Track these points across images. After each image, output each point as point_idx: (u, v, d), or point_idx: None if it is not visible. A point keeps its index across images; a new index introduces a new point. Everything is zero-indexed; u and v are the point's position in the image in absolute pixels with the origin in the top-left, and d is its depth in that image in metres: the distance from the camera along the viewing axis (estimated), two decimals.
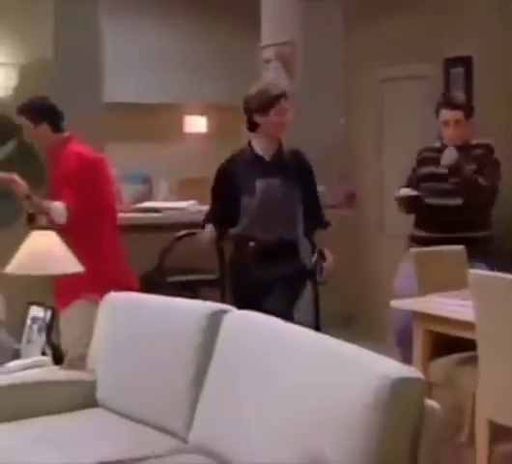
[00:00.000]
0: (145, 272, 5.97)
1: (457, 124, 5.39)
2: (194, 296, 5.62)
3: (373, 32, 7.93)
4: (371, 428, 2.69)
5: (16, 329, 4.73)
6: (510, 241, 5.84)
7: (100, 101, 6.48)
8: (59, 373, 4.12)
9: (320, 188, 5.62)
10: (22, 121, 5.09)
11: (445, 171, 5.37)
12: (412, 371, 2.82)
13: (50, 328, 4.54)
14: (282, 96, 5.09)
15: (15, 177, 4.92)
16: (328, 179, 6.59)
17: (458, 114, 5.40)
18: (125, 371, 3.83)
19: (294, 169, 5.13)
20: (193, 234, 5.50)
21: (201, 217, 5.35)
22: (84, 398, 3.90)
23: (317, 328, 4.95)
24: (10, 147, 5.63)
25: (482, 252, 5.33)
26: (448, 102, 5.49)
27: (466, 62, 7.72)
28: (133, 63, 8.75)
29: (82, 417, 3.78)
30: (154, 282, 5.86)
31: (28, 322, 4.66)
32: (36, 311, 4.61)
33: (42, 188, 5.67)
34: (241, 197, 5.09)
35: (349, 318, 7.13)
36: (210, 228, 5.23)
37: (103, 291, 4.69)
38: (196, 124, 9.61)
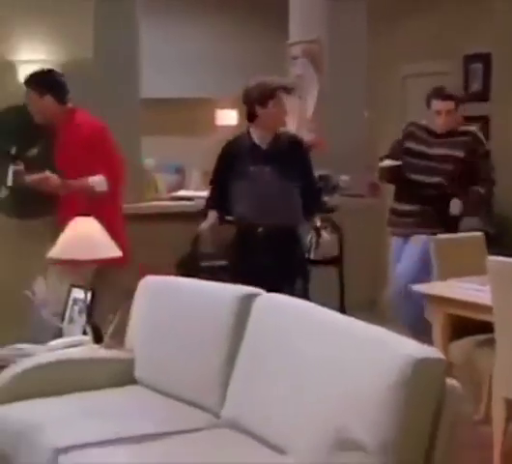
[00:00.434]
0: (180, 257, 5.98)
1: (448, 113, 5.49)
2: (225, 280, 5.62)
3: (396, 30, 7.91)
4: (395, 406, 2.69)
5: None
6: None
7: (137, 96, 6.49)
8: (99, 352, 4.14)
9: (344, 178, 5.63)
10: (28, 92, 5.00)
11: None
12: (433, 352, 2.81)
13: (90, 309, 4.56)
14: (281, 88, 5.10)
15: (47, 174, 4.87)
16: (353, 170, 6.58)
17: (449, 104, 5.49)
18: (161, 351, 3.84)
19: (289, 157, 5.10)
20: (227, 222, 5.51)
21: None
22: (123, 376, 3.92)
23: (342, 311, 4.94)
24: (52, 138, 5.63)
25: (452, 226, 5.46)
26: (440, 94, 5.55)
27: (484, 58, 7.70)
28: (168, 61, 8.76)
29: (122, 393, 3.80)
30: (188, 267, 5.88)
31: (70, 303, 4.69)
32: (77, 293, 4.64)
33: None
34: (236, 184, 5.11)
35: (372, 302, 7.11)
36: (213, 214, 5.22)
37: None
38: (227, 117, 9.60)
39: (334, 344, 3.00)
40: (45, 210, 5.40)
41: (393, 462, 2.66)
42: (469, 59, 8.01)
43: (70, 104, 5.00)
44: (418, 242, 5.49)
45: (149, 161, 6.95)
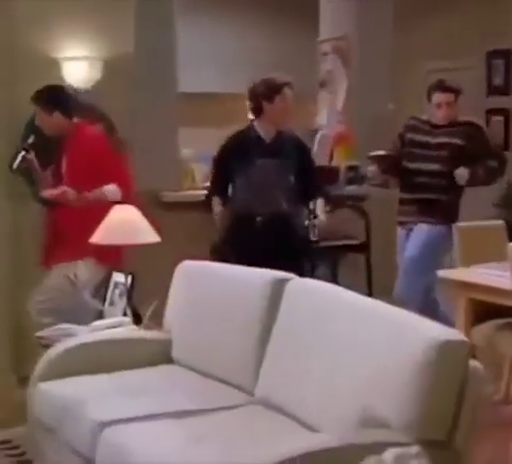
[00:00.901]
0: (212, 243, 5.97)
1: (448, 105, 5.40)
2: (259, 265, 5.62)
3: (421, 28, 7.87)
4: (420, 386, 2.69)
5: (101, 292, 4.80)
6: None
7: (175, 91, 6.49)
8: (138, 332, 4.15)
9: (371, 168, 5.59)
10: (36, 110, 4.92)
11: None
12: (457, 334, 2.81)
13: (130, 292, 4.57)
14: (287, 84, 5.08)
15: (64, 188, 4.79)
16: None
17: (449, 96, 5.40)
18: (197, 332, 3.84)
19: (291, 151, 5.11)
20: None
21: None
22: (161, 355, 3.93)
23: (370, 296, 4.92)
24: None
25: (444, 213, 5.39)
26: (440, 86, 5.46)
27: (505, 54, 7.67)
28: (204, 58, 8.74)
29: (160, 371, 3.81)
30: (221, 252, 5.86)
31: (111, 286, 4.70)
32: (118, 277, 4.65)
33: None
34: (240, 174, 5.10)
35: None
36: (217, 201, 5.23)
37: (108, 255, 4.77)
38: None
39: (363, 326, 2.99)
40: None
41: (418, 440, 2.65)
42: (491, 55, 7.99)
43: (75, 119, 4.94)
44: (421, 232, 5.43)
45: (186, 152, 6.95)
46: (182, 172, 6.72)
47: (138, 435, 3.06)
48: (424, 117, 5.58)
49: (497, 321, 4.58)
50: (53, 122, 4.88)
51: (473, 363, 2.77)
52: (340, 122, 6.90)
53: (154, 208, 5.61)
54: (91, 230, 4.44)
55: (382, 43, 7.04)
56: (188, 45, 7.77)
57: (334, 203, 6.10)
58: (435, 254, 5.36)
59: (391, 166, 5.50)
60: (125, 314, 4.42)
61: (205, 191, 5.66)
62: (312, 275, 5.21)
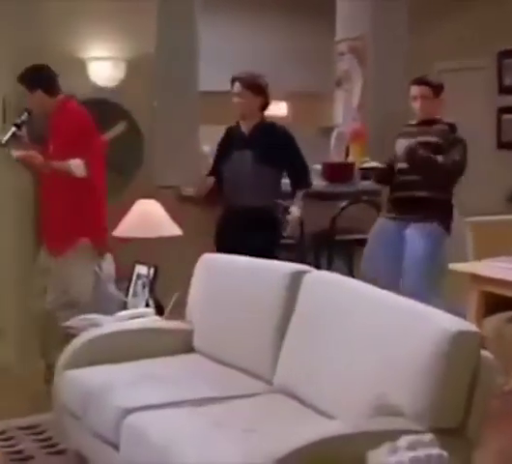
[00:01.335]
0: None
1: (423, 99, 5.16)
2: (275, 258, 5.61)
3: (434, 29, 7.85)
4: (433, 376, 2.68)
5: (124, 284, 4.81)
6: None
7: (196, 89, 6.48)
8: (161, 323, 4.16)
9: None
10: (23, 89, 4.89)
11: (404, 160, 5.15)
12: (469, 325, 2.80)
13: (153, 284, 4.58)
14: (236, 79, 5.16)
15: (32, 152, 4.73)
16: None
17: (424, 89, 5.16)
18: (218, 322, 3.85)
19: (268, 143, 5.02)
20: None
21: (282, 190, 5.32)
22: (182, 345, 3.94)
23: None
24: (119, 128, 5.66)
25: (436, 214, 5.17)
26: (416, 79, 5.26)
27: None
28: (224, 56, 8.73)
29: (181, 360, 3.81)
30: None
31: (134, 278, 4.71)
32: (141, 269, 4.66)
33: (139, 162, 5.71)
34: (222, 167, 5.12)
35: None
36: (210, 180, 5.19)
37: (98, 236, 4.81)
38: (278, 108, 9.55)
39: (377, 317, 2.98)
40: (110, 194, 5.43)
41: (430, 428, 2.64)
42: (502, 55, 7.99)
43: (61, 96, 4.90)
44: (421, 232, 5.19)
45: (207, 149, 6.94)
46: (203, 167, 6.72)
47: (160, 421, 3.07)
48: (413, 121, 5.42)
49: (508, 313, 4.57)
50: (36, 100, 4.86)
51: (485, 354, 2.76)
52: (356, 119, 6.88)
53: (176, 202, 5.63)
54: (80, 217, 4.61)
55: (396, 43, 7.02)
56: (209, 45, 7.76)
57: (350, 198, 6.10)
58: (433, 256, 5.14)
59: (384, 177, 5.37)
60: (147, 305, 4.43)
61: None
62: (329, 269, 5.19)
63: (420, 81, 5.20)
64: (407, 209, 5.18)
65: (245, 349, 3.61)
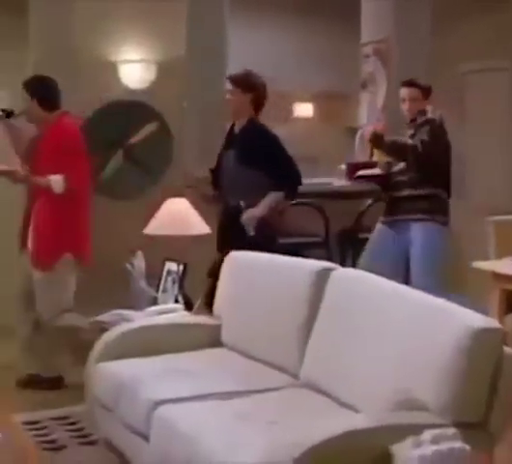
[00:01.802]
0: None
1: (412, 101, 5.12)
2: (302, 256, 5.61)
3: (457, 30, 7.78)
4: (456, 371, 2.67)
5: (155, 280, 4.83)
6: None
7: (223, 90, 6.48)
8: (190, 318, 4.18)
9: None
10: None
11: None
12: (493, 322, 2.79)
13: (182, 280, 4.60)
14: (228, 78, 5.05)
15: (14, 168, 4.63)
16: None
17: (413, 91, 5.11)
18: (245, 317, 3.85)
19: (251, 143, 4.87)
20: (303, 204, 5.48)
21: (308, 190, 5.31)
22: (210, 339, 3.94)
23: (406, 284, 4.89)
24: (149, 129, 5.67)
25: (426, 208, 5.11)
26: (405, 82, 5.23)
27: None
28: (251, 58, 8.71)
29: (210, 355, 3.82)
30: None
31: (164, 274, 4.73)
32: (171, 266, 4.68)
33: (170, 163, 5.71)
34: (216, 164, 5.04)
35: None
36: (208, 178, 5.10)
37: (81, 251, 4.74)
38: (304, 109, 9.56)
39: (402, 313, 2.98)
40: (141, 193, 5.46)
41: (453, 422, 2.64)
42: None
43: (59, 111, 4.79)
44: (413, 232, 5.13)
45: None
46: None
47: (189, 413, 3.07)
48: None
49: None
50: (29, 107, 4.77)
51: (508, 350, 2.74)
52: (379, 120, 6.86)
53: (202, 201, 5.63)
54: (65, 232, 4.57)
55: (419, 45, 6.99)
56: (237, 46, 7.77)
57: (374, 197, 6.07)
58: (433, 252, 5.05)
59: (382, 185, 5.34)
60: (177, 301, 4.45)
61: None
62: (354, 266, 5.17)
63: (409, 83, 5.19)
64: (397, 209, 5.16)
65: (272, 344, 3.61)
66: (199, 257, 4.69)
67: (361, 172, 5.41)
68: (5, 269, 5.36)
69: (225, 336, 3.94)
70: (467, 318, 2.75)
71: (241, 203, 4.74)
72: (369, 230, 5.74)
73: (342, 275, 3.47)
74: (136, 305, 4.56)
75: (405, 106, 5.18)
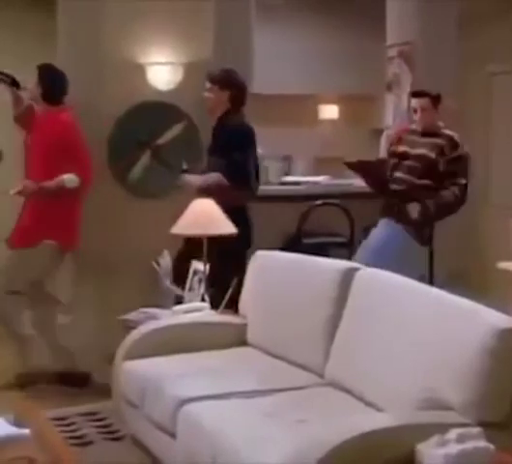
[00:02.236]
0: (286, 234, 5.98)
1: (423, 110, 5.10)
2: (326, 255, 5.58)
3: (483, 32, 7.72)
4: (480, 371, 2.67)
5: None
6: None
7: (250, 92, 6.48)
8: (216, 317, 4.18)
9: None
10: None
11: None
12: None
13: (208, 279, 4.58)
14: (206, 77, 5.06)
15: (24, 182, 4.66)
16: None
17: (423, 102, 5.09)
18: (271, 317, 3.85)
19: (218, 139, 4.96)
20: (329, 204, 5.44)
21: (333, 190, 5.30)
22: (236, 338, 3.95)
23: (431, 283, 4.85)
24: (177, 129, 5.68)
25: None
26: (416, 92, 5.24)
27: None
28: (277, 60, 8.71)
29: (235, 353, 3.83)
30: (293, 243, 5.85)
31: (190, 273, 4.73)
32: (197, 265, 4.67)
33: (198, 163, 5.71)
34: None
35: (456, 277, 6.98)
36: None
37: (68, 239, 4.79)
38: (329, 111, 9.52)
39: (427, 313, 2.97)
40: (168, 192, 5.45)
41: (477, 421, 2.63)
42: None
43: (61, 106, 4.78)
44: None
45: (260, 151, 6.93)
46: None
47: (214, 411, 3.08)
48: (413, 126, 5.28)
49: None
50: (32, 92, 4.79)
51: None
52: (403, 120, 6.83)
53: None
54: (45, 219, 4.63)
55: (446, 46, 6.95)
56: (263, 49, 7.76)
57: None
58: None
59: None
60: (203, 300, 4.45)
61: (277, 187, 5.63)
62: None
63: (418, 93, 5.18)
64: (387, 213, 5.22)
65: (297, 343, 3.61)
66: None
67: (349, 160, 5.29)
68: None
69: (250, 335, 3.94)
70: (491, 318, 2.73)
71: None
72: None
73: (367, 275, 3.47)
74: (162, 304, 4.56)
75: (416, 116, 5.18)
